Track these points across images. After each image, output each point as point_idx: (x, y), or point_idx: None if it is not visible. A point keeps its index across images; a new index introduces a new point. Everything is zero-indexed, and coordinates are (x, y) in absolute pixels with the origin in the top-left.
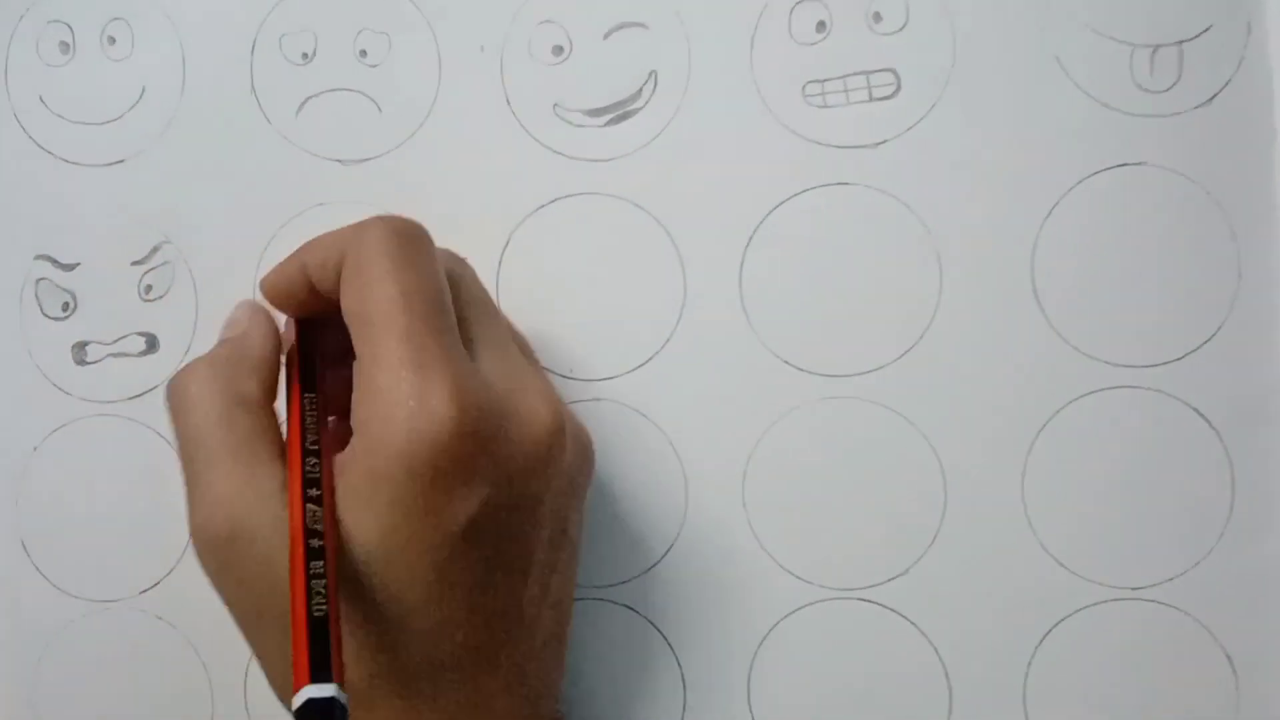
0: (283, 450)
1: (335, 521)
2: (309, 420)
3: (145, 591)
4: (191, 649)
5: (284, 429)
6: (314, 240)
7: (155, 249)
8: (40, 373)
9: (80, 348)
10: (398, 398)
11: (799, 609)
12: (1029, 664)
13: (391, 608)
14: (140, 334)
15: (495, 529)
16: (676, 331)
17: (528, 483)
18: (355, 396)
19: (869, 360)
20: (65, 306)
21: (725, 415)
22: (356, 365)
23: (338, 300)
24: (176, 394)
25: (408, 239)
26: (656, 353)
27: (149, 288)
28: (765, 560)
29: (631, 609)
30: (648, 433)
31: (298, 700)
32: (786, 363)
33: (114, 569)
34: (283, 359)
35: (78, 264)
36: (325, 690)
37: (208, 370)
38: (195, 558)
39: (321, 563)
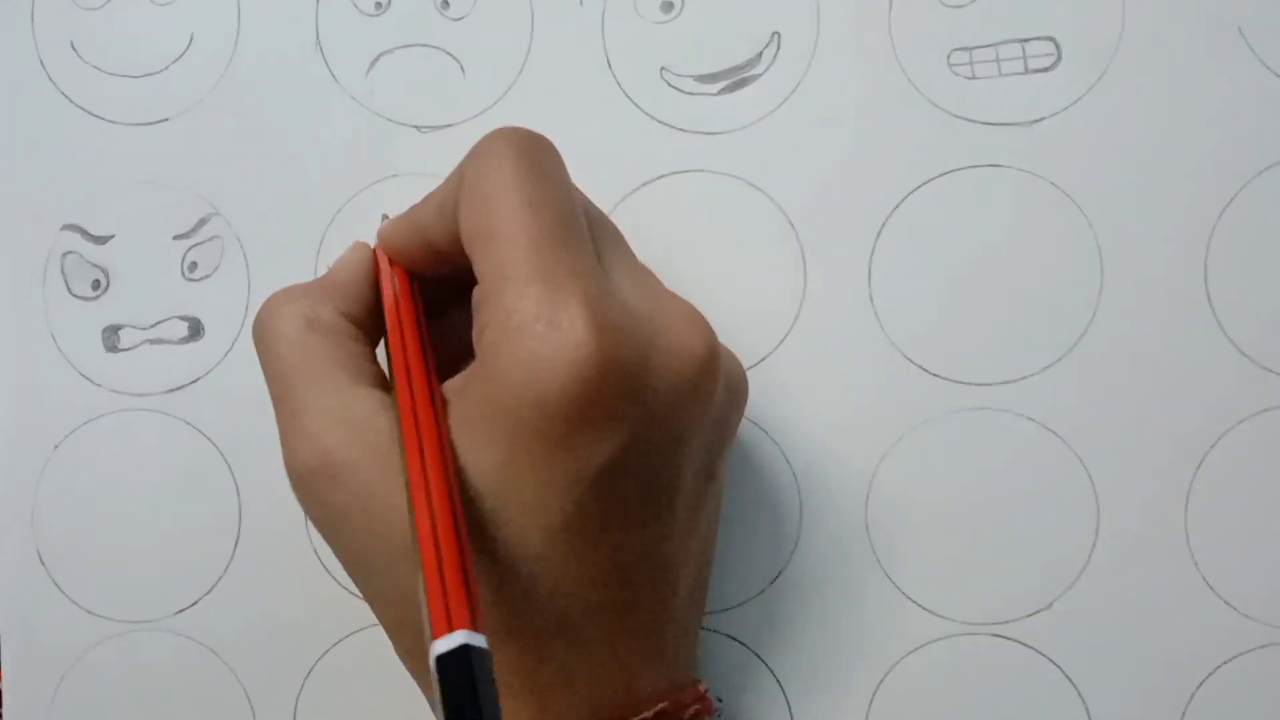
0: (375, 377)
1: (452, 453)
2: (413, 355)
3: (182, 611)
4: (234, 677)
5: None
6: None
7: (202, 221)
8: (65, 359)
9: (112, 332)
10: (524, 319)
11: (925, 645)
12: (1184, 712)
13: (512, 557)
14: (182, 318)
15: (635, 473)
16: (794, 330)
17: (673, 420)
18: (476, 322)
19: (1015, 367)
20: (96, 285)
21: (847, 426)
22: (478, 289)
23: (457, 244)
24: (257, 326)
25: (532, 148)
26: (770, 353)
27: (193, 265)
28: (888, 589)
29: (736, 640)
30: (758, 443)
31: (438, 650)
32: (920, 368)
33: (146, 585)
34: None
35: (111, 236)
36: (474, 639)
37: (284, 295)
38: (242, 569)
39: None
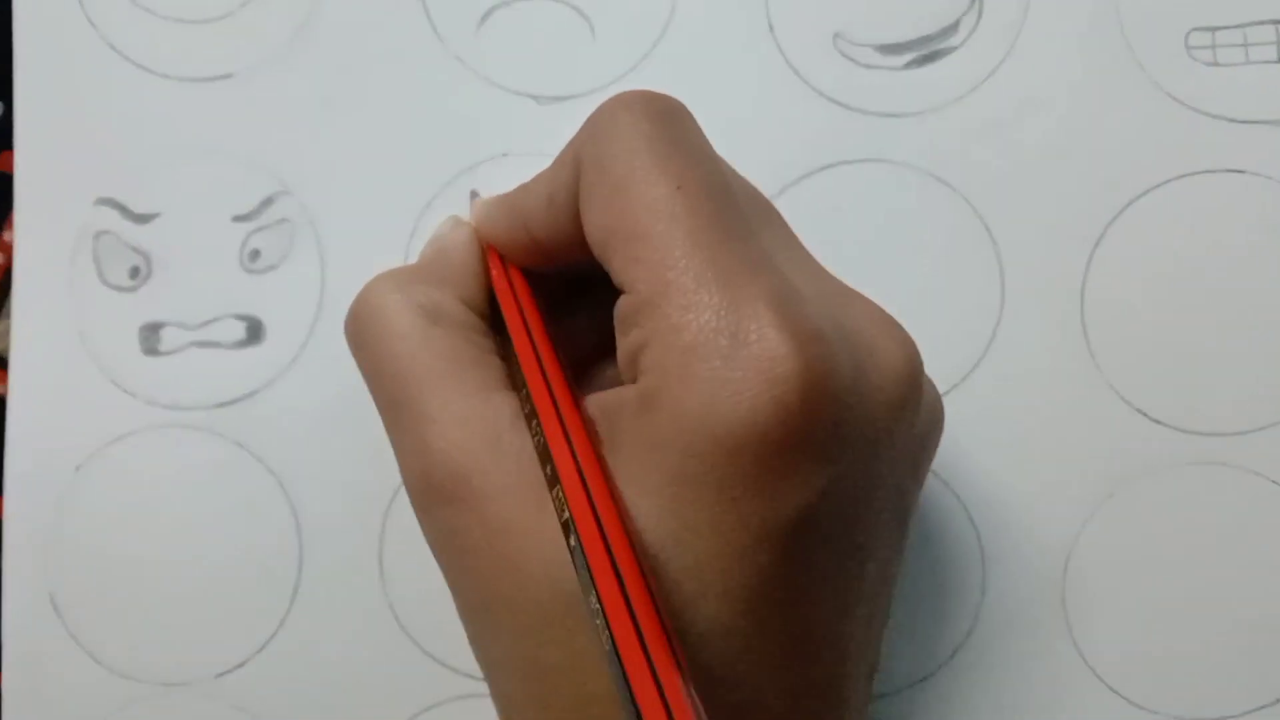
0: (507, 379)
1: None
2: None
3: (225, 674)
4: None
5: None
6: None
7: (268, 201)
8: (93, 362)
9: (152, 331)
10: (700, 333)
11: None
12: None
13: (678, 633)
14: (239, 317)
15: (830, 525)
16: (986, 358)
17: (873, 456)
18: (626, 340)
19: (1254, 415)
20: (135, 272)
21: (1047, 477)
22: (624, 300)
23: (570, 243)
24: (356, 318)
25: (665, 115)
26: (956, 385)
27: (255, 253)
28: (1085, 676)
29: None
30: (938, 495)
31: None
32: (1140, 411)
33: (183, 641)
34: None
35: (156, 215)
36: None
37: (390, 281)
38: (301, 625)
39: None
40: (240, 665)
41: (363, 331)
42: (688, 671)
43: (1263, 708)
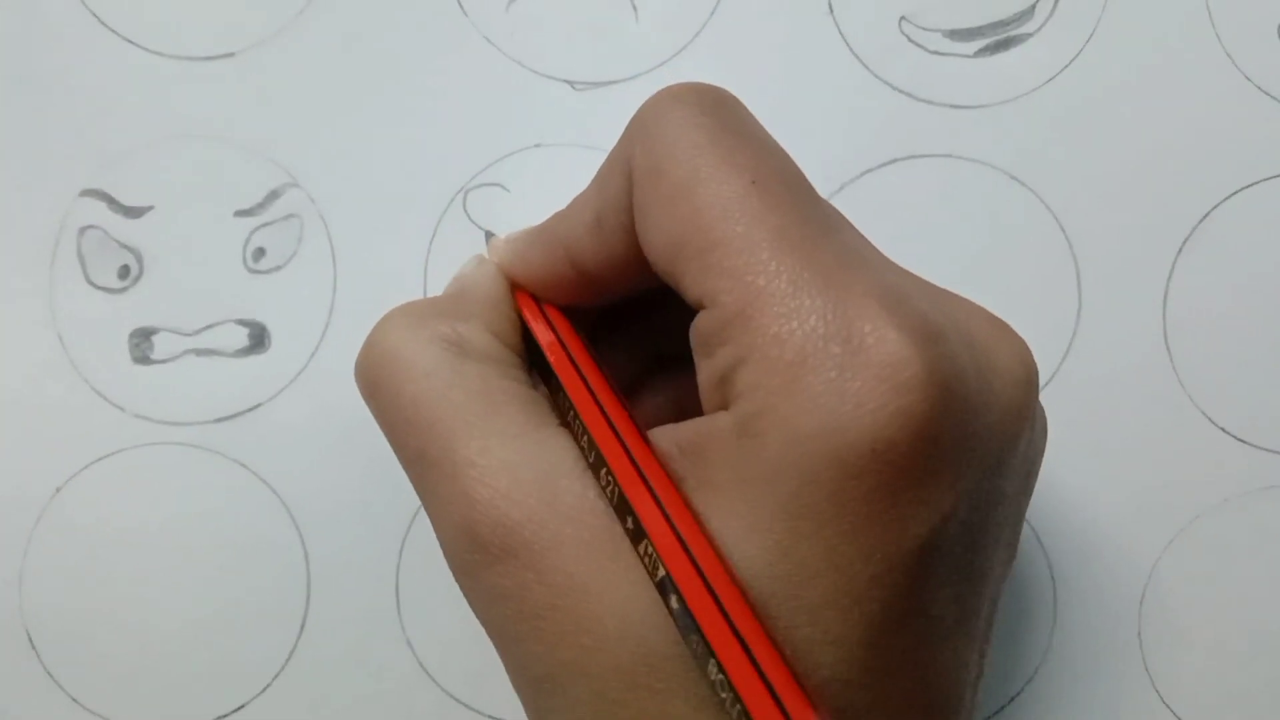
0: (551, 417)
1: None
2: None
3: (226, 718)
4: None
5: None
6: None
7: (273, 194)
8: (75, 371)
9: (143, 337)
10: (806, 342)
11: None
12: None
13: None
14: (240, 322)
15: (956, 548)
16: (1061, 370)
17: (996, 470)
18: (710, 363)
19: None
20: (124, 272)
21: (1124, 501)
22: (704, 317)
23: (626, 267)
24: (374, 358)
25: (721, 108)
26: None
27: (260, 252)
28: (1160, 712)
29: None
30: None
31: None
32: (1224, 430)
33: (176, 682)
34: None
35: (149, 208)
36: None
37: (406, 316)
38: (308, 663)
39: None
40: (239, 709)
41: (377, 377)
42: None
43: None
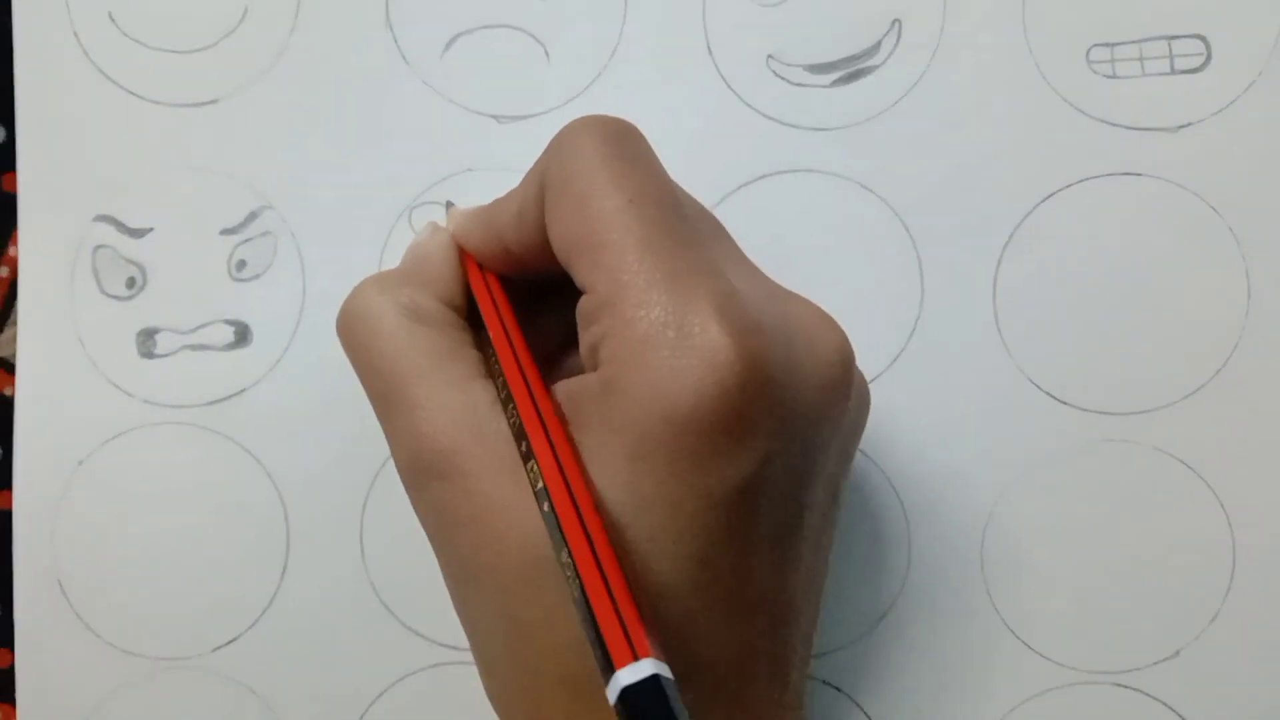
0: (484, 370)
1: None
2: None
3: (220, 649)
4: None
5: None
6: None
7: (252, 215)
8: (93, 365)
9: (148, 336)
10: (650, 327)
11: (1041, 694)
12: None
13: (636, 591)
14: (227, 322)
15: (770, 495)
16: (908, 349)
17: (810, 434)
18: (587, 335)
19: (1152, 396)
20: (131, 283)
21: (965, 455)
22: (585, 300)
23: (539, 252)
24: (346, 320)
25: (620, 138)
26: (882, 372)
27: (242, 264)
28: (1003, 634)
29: (835, 687)
30: (866, 472)
31: (623, 681)
32: (1048, 394)
33: (181, 619)
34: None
35: (150, 229)
36: (662, 668)
37: (375, 285)
38: (289, 602)
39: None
40: (233, 640)
41: (352, 332)
42: (648, 612)
43: (1163, 660)
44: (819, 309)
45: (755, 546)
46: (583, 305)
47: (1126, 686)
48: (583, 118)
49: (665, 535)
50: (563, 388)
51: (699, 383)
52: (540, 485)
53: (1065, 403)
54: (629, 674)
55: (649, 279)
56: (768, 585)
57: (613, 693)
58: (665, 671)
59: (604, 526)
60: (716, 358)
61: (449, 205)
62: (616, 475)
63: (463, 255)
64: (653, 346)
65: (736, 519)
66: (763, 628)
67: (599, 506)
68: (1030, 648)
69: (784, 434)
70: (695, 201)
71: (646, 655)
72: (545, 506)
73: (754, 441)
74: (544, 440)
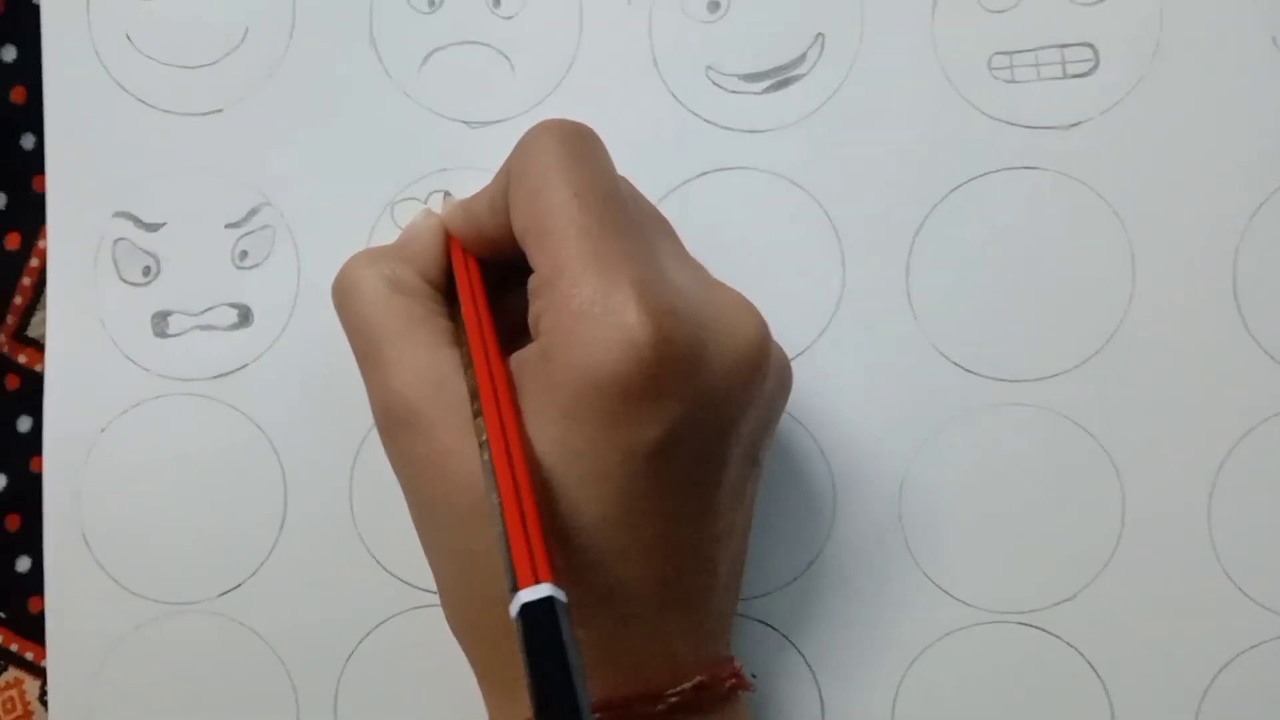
0: (453, 338)
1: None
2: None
3: (226, 594)
4: (277, 659)
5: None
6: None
7: (253, 211)
8: (114, 344)
9: (161, 318)
10: (581, 304)
11: (953, 632)
12: (1202, 699)
13: (567, 529)
14: (231, 305)
15: (685, 452)
16: (832, 325)
17: (724, 404)
18: (533, 308)
19: (1048, 365)
20: (146, 271)
21: (883, 419)
22: (534, 278)
23: (507, 237)
24: (338, 286)
25: (575, 138)
26: (809, 346)
27: (244, 254)
28: (919, 578)
29: (768, 625)
30: (795, 434)
31: (522, 599)
32: (955, 364)
33: (191, 568)
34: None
35: (163, 224)
36: (557, 592)
37: (365, 258)
38: (287, 553)
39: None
40: (238, 586)
41: (342, 296)
42: (555, 548)
43: (1063, 602)
44: (740, 296)
45: (672, 494)
46: (531, 282)
47: (1030, 625)
48: (544, 121)
49: (593, 481)
50: (515, 356)
51: (620, 353)
52: (483, 438)
53: (971, 371)
54: (529, 594)
55: (584, 263)
56: (684, 528)
57: (514, 608)
58: (560, 596)
59: (529, 475)
60: (634, 333)
61: (445, 195)
62: (552, 429)
63: (449, 238)
64: (583, 321)
65: (653, 470)
66: (678, 563)
67: (531, 458)
68: (944, 590)
69: (696, 402)
70: (642, 198)
71: (546, 580)
72: (485, 456)
73: (666, 405)
74: (492, 400)
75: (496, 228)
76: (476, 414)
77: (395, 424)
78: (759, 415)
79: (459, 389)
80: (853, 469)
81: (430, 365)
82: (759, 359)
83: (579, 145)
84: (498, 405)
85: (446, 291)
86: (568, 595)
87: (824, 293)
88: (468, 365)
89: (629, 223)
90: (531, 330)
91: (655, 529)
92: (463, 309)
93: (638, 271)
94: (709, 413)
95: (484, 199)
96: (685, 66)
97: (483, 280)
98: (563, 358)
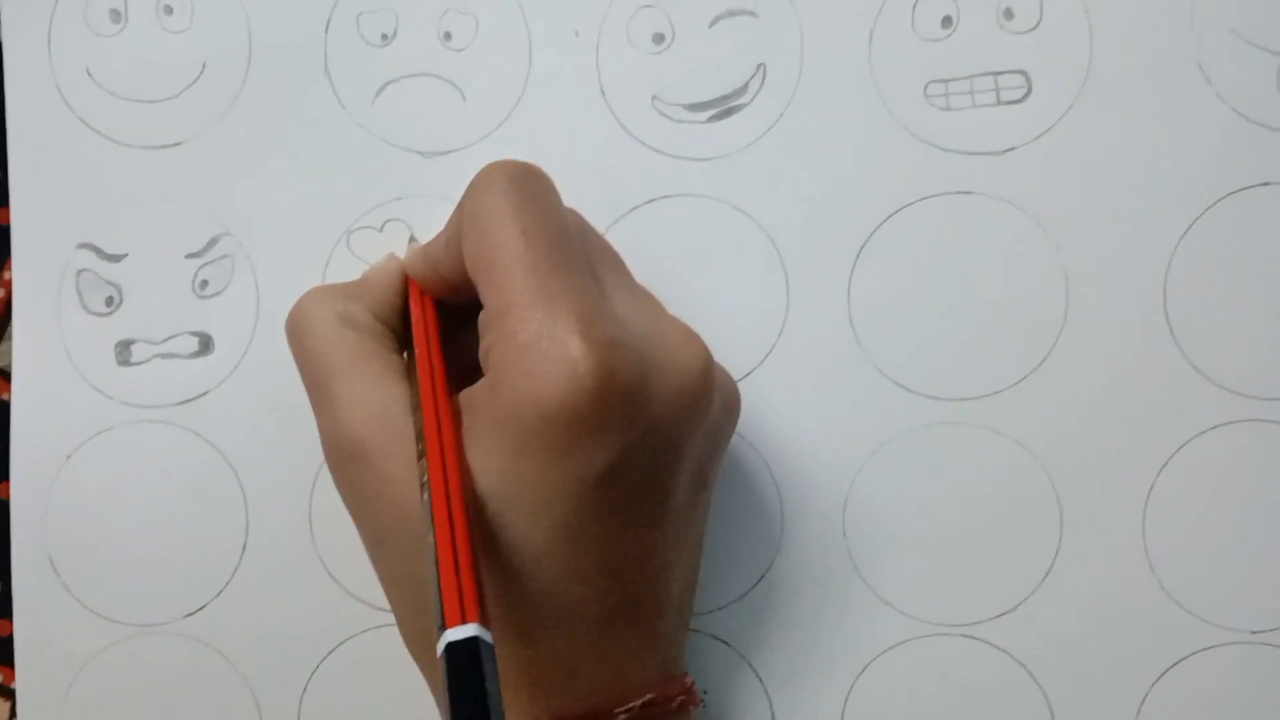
0: (401, 374)
1: (464, 461)
2: (434, 369)
3: (191, 615)
4: (241, 678)
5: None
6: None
7: (213, 241)
8: (78, 373)
9: (124, 347)
10: (528, 339)
11: (898, 644)
12: (1139, 709)
13: (515, 556)
14: (193, 333)
15: (631, 479)
16: (777, 346)
17: (669, 432)
18: (483, 343)
19: (985, 384)
20: (109, 301)
21: (827, 438)
22: (483, 313)
23: (464, 277)
24: (291, 321)
25: (524, 178)
26: (755, 368)
27: (204, 283)
28: (864, 592)
29: (720, 640)
30: (743, 454)
31: (449, 638)
32: (896, 384)
33: (156, 590)
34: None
35: (125, 255)
36: (483, 633)
37: (319, 294)
38: (249, 574)
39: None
40: (202, 608)
41: (294, 331)
42: (483, 590)
43: (1004, 614)
44: (685, 327)
45: (619, 520)
46: (481, 318)
47: (972, 637)
48: (495, 162)
49: (542, 508)
50: (465, 391)
51: (565, 385)
52: (424, 479)
53: (911, 390)
54: (454, 633)
55: (530, 298)
56: (631, 552)
57: (440, 646)
58: (486, 636)
59: (465, 516)
60: (577, 367)
61: (411, 240)
62: (500, 459)
63: (407, 280)
64: (529, 354)
65: (600, 498)
66: (626, 586)
67: (472, 496)
68: (888, 603)
69: (641, 431)
70: (591, 230)
71: (474, 620)
72: (425, 496)
73: (611, 436)
74: (435, 441)
75: (452, 267)
76: (421, 455)
77: (344, 456)
78: (705, 441)
79: (406, 422)
80: (799, 487)
81: (378, 399)
82: (702, 388)
83: (528, 184)
84: (441, 446)
85: (401, 332)
86: (517, 620)
87: (769, 316)
88: (416, 406)
89: (575, 258)
90: (482, 365)
91: (603, 554)
92: (416, 348)
93: (582, 306)
94: (654, 440)
95: (440, 240)
96: (632, 97)
97: (438, 321)
98: (510, 390)
